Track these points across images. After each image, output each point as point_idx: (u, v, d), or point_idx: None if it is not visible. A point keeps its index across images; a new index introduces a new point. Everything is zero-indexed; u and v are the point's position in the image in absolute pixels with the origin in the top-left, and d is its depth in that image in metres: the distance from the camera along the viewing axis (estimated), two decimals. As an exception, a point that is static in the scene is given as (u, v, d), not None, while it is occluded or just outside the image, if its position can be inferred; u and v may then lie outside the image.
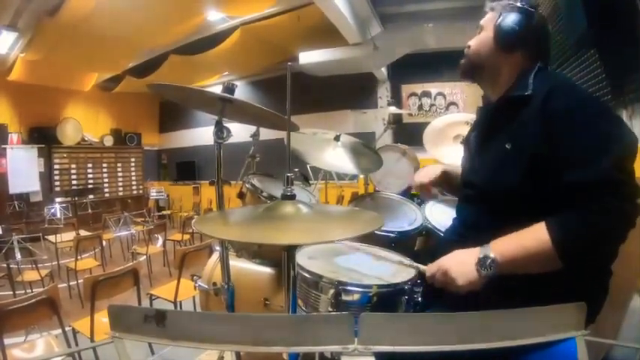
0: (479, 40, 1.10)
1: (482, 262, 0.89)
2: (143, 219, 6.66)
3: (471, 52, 1.11)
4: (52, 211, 6.80)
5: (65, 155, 8.13)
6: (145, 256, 4.70)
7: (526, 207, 0.93)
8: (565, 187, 0.85)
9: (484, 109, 1.20)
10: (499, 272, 0.88)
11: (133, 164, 9.39)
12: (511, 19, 1.02)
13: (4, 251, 3.79)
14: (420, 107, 6.90)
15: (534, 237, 0.86)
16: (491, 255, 0.89)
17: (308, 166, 2.30)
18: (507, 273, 0.88)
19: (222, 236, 0.94)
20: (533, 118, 0.93)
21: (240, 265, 1.72)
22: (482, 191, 1.07)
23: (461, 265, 0.92)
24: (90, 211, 7.57)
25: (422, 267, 1.02)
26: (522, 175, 0.93)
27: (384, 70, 6.84)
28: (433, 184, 1.42)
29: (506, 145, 0.98)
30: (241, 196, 1.74)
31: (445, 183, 1.42)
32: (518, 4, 1.04)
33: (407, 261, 1.05)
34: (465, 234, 1.13)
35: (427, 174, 1.43)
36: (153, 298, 2.94)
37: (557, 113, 0.90)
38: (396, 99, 6.67)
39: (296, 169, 1.87)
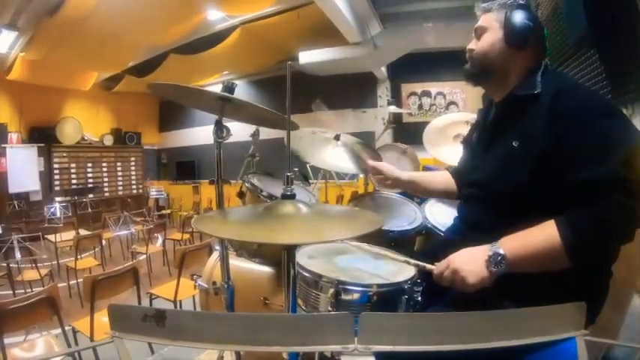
0: (486, 41, 1.06)
1: (492, 260, 0.89)
2: (143, 218, 6.66)
3: (480, 55, 1.07)
4: (52, 210, 6.80)
5: (65, 154, 8.13)
6: (144, 256, 4.70)
7: (531, 206, 0.93)
8: (572, 186, 0.86)
9: (487, 109, 1.19)
10: (509, 270, 0.88)
11: (132, 163, 9.38)
12: (521, 15, 1.01)
13: (3, 251, 3.79)
14: (420, 107, 6.90)
15: (544, 235, 0.86)
16: (502, 252, 0.88)
17: (308, 166, 2.30)
18: (517, 271, 0.88)
19: (221, 235, 0.94)
20: (540, 116, 0.93)
21: (240, 264, 1.72)
22: (487, 190, 1.06)
23: (470, 263, 0.91)
24: (90, 210, 7.56)
25: (428, 266, 1.00)
26: (529, 173, 0.93)
27: (383, 69, 6.84)
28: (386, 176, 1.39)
29: (514, 143, 0.98)
30: (241, 195, 1.74)
31: (410, 187, 1.41)
32: (519, 1, 1.04)
33: (413, 260, 1.05)
34: (467, 233, 1.13)
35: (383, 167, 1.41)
36: (153, 297, 2.94)
37: (566, 113, 0.90)
38: (396, 98, 6.67)
39: (296, 169, 1.87)
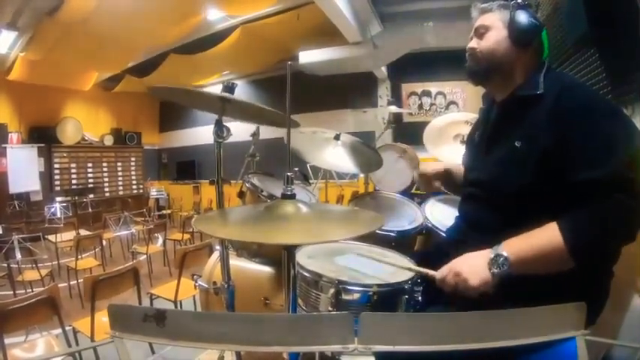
0: (491, 40, 1.06)
1: (494, 261, 0.88)
2: (143, 218, 6.66)
3: (486, 53, 1.06)
4: (52, 210, 6.79)
5: (65, 155, 8.14)
6: (145, 256, 4.70)
7: (533, 205, 0.93)
8: (575, 186, 0.86)
9: (489, 109, 1.19)
10: (511, 272, 0.87)
11: (133, 163, 9.39)
12: (526, 14, 1.02)
13: (4, 251, 3.79)
14: (420, 106, 6.90)
15: (547, 236, 0.86)
16: (504, 254, 0.88)
17: (308, 165, 2.30)
18: (518, 273, 0.87)
19: (222, 235, 0.94)
20: (543, 117, 0.93)
21: (240, 264, 1.72)
22: (489, 190, 1.06)
23: (473, 265, 0.91)
24: (90, 210, 7.56)
25: (431, 272, 1.00)
26: (531, 173, 0.93)
27: (384, 69, 6.84)
28: (435, 178, 1.42)
29: (516, 144, 0.98)
30: (241, 195, 1.74)
31: (447, 180, 1.41)
32: (519, 1, 1.05)
33: (415, 267, 1.04)
34: (468, 233, 1.12)
35: (429, 167, 1.44)
36: (153, 297, 2.94)
37: (569, 113, 0.90)
38: (396, 98, 6.67)
39: (296, 169, 1.87)
